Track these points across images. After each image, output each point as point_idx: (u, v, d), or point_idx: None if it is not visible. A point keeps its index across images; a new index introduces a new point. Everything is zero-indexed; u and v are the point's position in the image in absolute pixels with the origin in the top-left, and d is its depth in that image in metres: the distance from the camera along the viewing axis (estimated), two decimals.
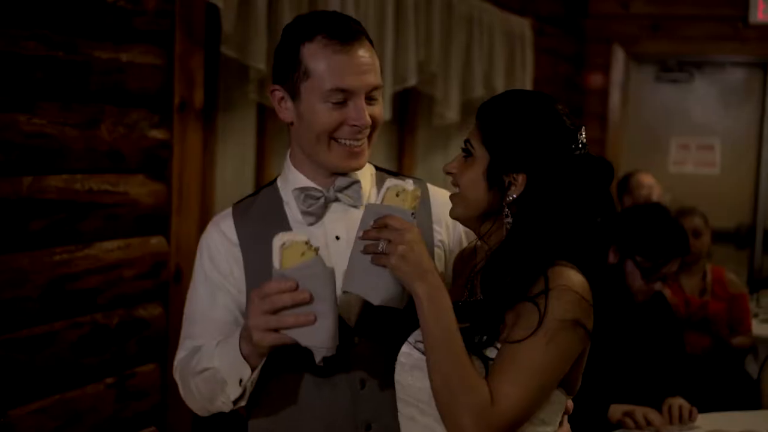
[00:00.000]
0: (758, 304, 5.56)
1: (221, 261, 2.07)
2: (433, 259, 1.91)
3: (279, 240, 1.79)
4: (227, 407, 1.98)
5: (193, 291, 2.13)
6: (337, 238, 2.05)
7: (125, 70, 2.76)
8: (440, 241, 2.14)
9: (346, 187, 2.06)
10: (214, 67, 3.40)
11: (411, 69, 4.27)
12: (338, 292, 1.83)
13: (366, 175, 2.13)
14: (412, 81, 4.30)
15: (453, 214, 1.95)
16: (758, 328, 5.08)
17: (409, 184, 1.86)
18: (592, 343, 1.85)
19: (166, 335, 3.00)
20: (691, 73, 7.60)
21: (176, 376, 2.10)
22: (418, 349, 1.85)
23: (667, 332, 3.48)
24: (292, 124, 2.05)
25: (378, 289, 1.82)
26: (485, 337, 1.78)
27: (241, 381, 1.92)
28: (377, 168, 2.20)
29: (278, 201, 2.11)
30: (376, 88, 2.00)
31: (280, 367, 1.99)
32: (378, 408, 2.02)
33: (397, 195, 1.85)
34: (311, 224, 2.06)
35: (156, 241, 2.93)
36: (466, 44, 4.93)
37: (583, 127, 1.89)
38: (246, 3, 3.08)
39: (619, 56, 7.49)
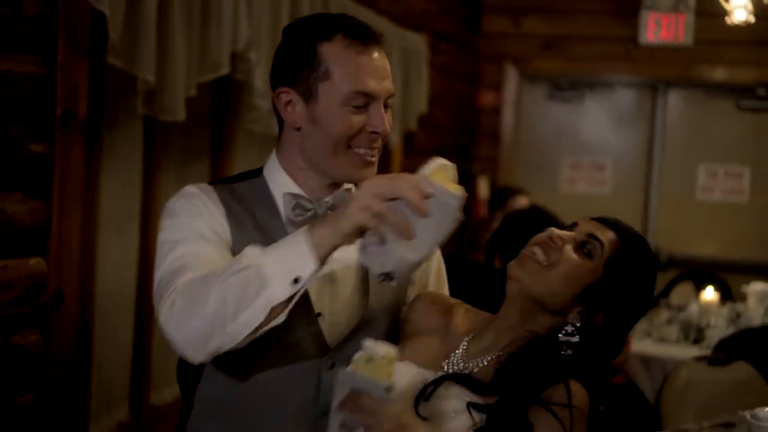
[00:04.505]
0: (651, 323, 5.57)
1: (211, 219, 1.93)
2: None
3: (435, 161, 1.74)
4: (256, 320, 1.73)
5: (166, 253, 1.89)
6: None
7: (2, 80, 2.57)
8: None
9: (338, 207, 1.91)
10: (99, 78, 3.21)
11: None
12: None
13: None
14: None
15: (519, 274, 1.87)
16: (652, 348, 5.09)
17: (379, 349, 1.66)
18: None
19: (46, 363, 2.81)
20: (583, 93, 7.65)
21: (168, 304, 1.78)
22: None
23: None
24: (298, 129, 1.95)
25: None
26: None
27: (297, 280, 1.72)
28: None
29: (268, 194, 2.01)
30: (392, 95, 1.97)
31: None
32: None
33: (367, 362, 1.66)
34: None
35: (34, 262, 2.73)
36: None
37: None
38: (134, 10, 2.91)
39: (511, 74, 7.50)
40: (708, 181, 7.46)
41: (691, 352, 4.88)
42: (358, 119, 1.91)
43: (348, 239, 1.74)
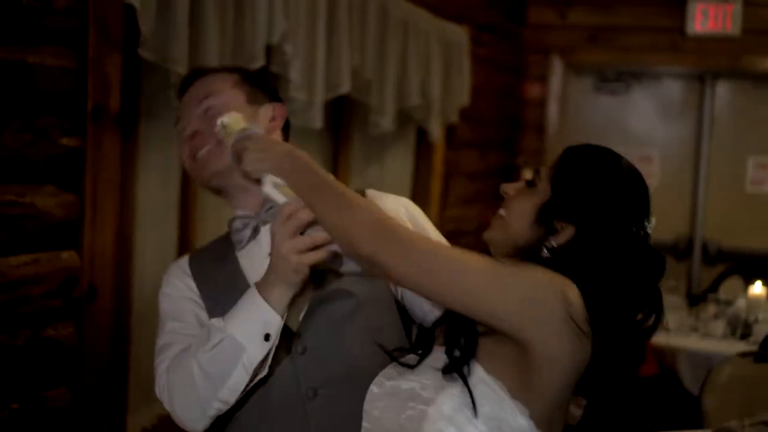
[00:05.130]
0: (697, 318, 5.48)
1: (178, 292, 2.15)
2: None
3: (268, 184, 1.96)
4: (243, 381, 1.94)
5: (160, 329, 2.15)
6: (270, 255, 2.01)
7: (33, 73, 2.57)
8: None
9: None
10: (135, 71, 3.21)
11: (344, 75, 4.10)
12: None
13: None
14: (345, 88, 4.13)
15: (487, 236, 1.91)
16: (698, 343, 5.01)
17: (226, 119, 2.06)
18: None
19: (80, 356, 2.81)
20: (630, 84, 7.55)
21: (163, 383, 2.02)
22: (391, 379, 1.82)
23: None
24: None
25: None
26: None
27: (268, 336, 1.92)
28: None
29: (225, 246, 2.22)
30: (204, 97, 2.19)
31: None
32: (329, 419, 2.00)
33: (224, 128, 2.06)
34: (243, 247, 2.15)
35: (67, 256, 2.74)
36: (401, 51, 4.78)
37: (653, 219, 1.85)
38: (166, 2, 2.90)
39: (557, 66, 7.41)
40: (757, 174, 7.32)
41: (738, 347, 4.78)
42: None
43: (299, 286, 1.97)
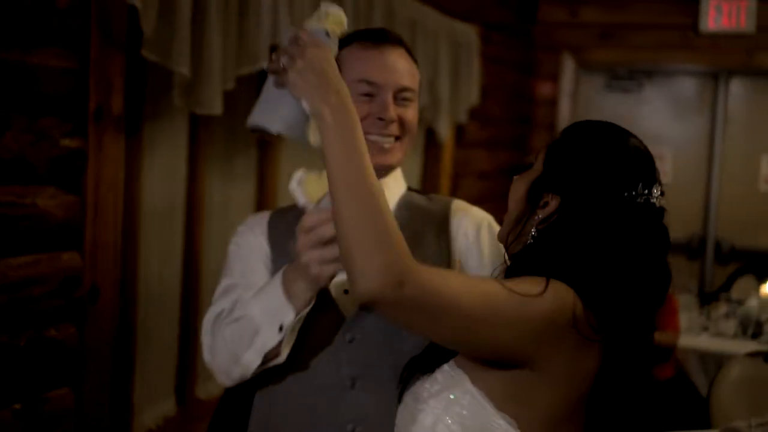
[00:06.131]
0: (708, 318, 5.46)
1: (250, 251, 2.15)
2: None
3: (295, 181, 1.83)
4: (255, 362, 1.95)
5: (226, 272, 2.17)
6: None
7: (35, 74, 2.57)
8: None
9: None
10: (139, 72, 3.21)
11: None
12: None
13: (393, 188, 2.16)
14: None
15: (498, 235, 1.89)
16: (708, 343, 4.99)
17: (333, 8, 1.77)
18: None
19: (83, 357, 2.81)
20: (642, 82, 7.52)
21: (206, 330, 2.08)
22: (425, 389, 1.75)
23: None
24: None
25: (278, 117, 1.73)
26: None
27: (281, 327, 1.91)
28: (410, 188, 2.24)
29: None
30: (405, 89, 2.07)
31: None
32: (364, 409, 2.01)
33: (318, 20, 1.76)
34: None
35: (68, 257, 2.74)
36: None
37: (658, 185, 1.75)
38: (169, 2, 2.89)
39: (568, 64, 7.39)
40: None
41: (748, 347, 4.77)
42: (365, 107, 2.02)
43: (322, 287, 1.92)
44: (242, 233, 2.20)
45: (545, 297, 1.59)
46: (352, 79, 2.00)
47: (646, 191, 1.72)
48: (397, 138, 2.09)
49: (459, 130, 5.82)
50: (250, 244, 2.17)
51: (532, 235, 1.74)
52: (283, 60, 1.66)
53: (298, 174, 1.84)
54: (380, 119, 2.03)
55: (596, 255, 1.67)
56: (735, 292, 6.24)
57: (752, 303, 5.38)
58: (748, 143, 7.35)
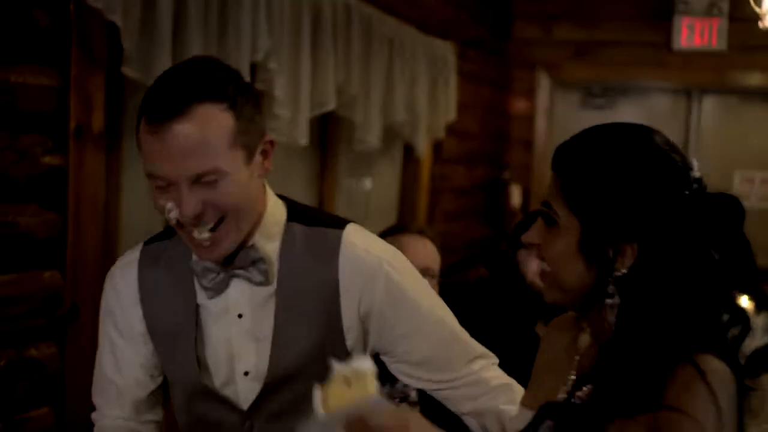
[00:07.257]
0: None
1: (123, 322, 1.99)
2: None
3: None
4: None
5: (99, 354, 2.05)
6: (240, 316, 1.89)
7: (16, 92, 2.56)
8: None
9: (249, 266, 1.85)
10: (119, 90, 3.20)
11: (329, 92, 4.10)
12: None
13: (271, 233, 1.89)
14: (330, 105, 4.12)
15: (550, 299, 1.57)
16: None
17: (363, 363, 1.35)
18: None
19: (63, 376, 2.79)
20: (616, 99, 7.57)
21: None
22: None
23: None
24: None
25: None
26: None
27: None
28: (291, 209, 1.95)
29: (189, 259, 1.92)
30: (203, 174, 1.71)
31: None
32: None
33: (349, 386, 1.33)
34: (211, 298, 1.88)
35: (49, 275, 2.72)
36: (387, 67, 4.78)
37: (695, 161, 1.53)
38: (149, 20, 2.89)
39: (543, 81, 7.44)
40: (744, 188, 7.33)
41: None
42: (162, 201, 1.75)
43: None
44: (111, 307, 1.99)
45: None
46: (144, 170, 1.75)
47: (691, 170, 1.53)
48: (218, 223, 1.77)
49: (436, 146, 5.84)
50: (118, 324, 1.98)
51: (613, 302, 1.48)
52: None
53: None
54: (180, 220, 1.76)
55: (703, 277, 1.47)
56: None
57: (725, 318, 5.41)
58: (721, 159, 7.40)
